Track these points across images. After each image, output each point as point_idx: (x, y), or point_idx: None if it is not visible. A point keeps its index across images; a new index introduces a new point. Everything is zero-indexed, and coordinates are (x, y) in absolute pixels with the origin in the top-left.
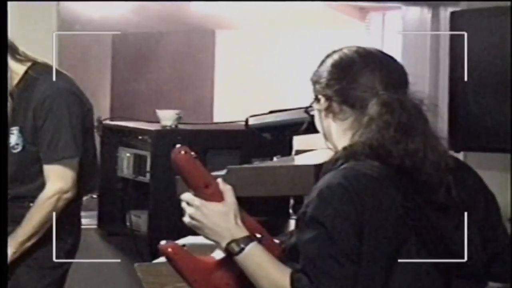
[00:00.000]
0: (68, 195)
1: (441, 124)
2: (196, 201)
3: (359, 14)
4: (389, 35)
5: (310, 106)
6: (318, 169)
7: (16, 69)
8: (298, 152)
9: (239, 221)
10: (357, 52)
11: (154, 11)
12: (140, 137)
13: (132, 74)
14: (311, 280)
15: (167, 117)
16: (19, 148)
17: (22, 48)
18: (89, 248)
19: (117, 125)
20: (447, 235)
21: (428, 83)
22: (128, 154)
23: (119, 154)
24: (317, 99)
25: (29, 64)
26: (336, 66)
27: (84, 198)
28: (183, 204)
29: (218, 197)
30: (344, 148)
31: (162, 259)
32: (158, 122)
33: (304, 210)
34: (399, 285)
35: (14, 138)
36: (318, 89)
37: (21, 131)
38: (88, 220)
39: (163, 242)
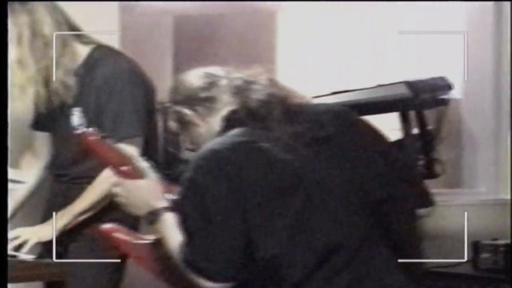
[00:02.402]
0: None
1: (505, 106)
2: (120, 180)
3: None
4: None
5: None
6: None
7: (80, 51)
8: None
9: (160, 195)
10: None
11: None
12: None
13: (193, 56)
14: (187, 244)
15: None
16: (81, 129)
17: (86, 29)
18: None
19: None
20: (334, 183)
21: (491, 63)
22: None
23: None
24: (182, 118)
25: (92, 46)
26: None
27: None
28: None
29: (136, 175)
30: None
31: None
32: None
33: (182, 177)
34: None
35: (75, 119)
36: (180, 108)
37: (83, 112)
38: None
39: (104, 225)
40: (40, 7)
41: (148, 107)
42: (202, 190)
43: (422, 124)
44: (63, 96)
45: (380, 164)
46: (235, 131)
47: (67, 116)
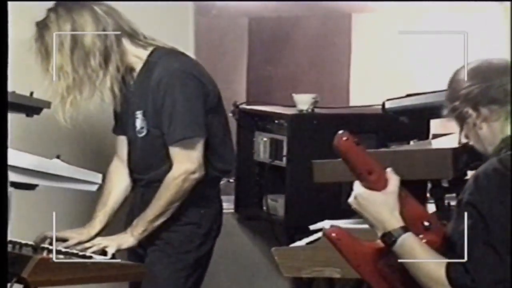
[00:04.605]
0: (195, 175)
1: None
2: (357, 189)
3: None
4: None
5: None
6: (456, 153)
7: (139, 54)
8: (435, 136)
9: (395, 212)
10: (479, 60)
11: None
12: (276, 121)
13: (268, 58)
14: (466, 270)
15: (303, 101)
16: (144, 132)
17: (160, 31)
18: (226, 232)
19: (254, 110)
20: None
21: None
22: (264, 139)
23: (255, 139)
24: (462, 116)
25: (151, 48)
26: (472, 74)
27: (221, 182)
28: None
29: (382, 185)
30: (506, 138)
31: (299, 243)
32: (294, 106)
33: (461, 197)
34: None
35: (138, 122)
36: (460, 105)
37: (144, 115)
38: (225, 204)
39: (327, 227)
40: (85, 15)
41: (207, 107)
42: (482, 213)
43: None
44: (113, 104)
45: None
46: None
47: (132, 120)
